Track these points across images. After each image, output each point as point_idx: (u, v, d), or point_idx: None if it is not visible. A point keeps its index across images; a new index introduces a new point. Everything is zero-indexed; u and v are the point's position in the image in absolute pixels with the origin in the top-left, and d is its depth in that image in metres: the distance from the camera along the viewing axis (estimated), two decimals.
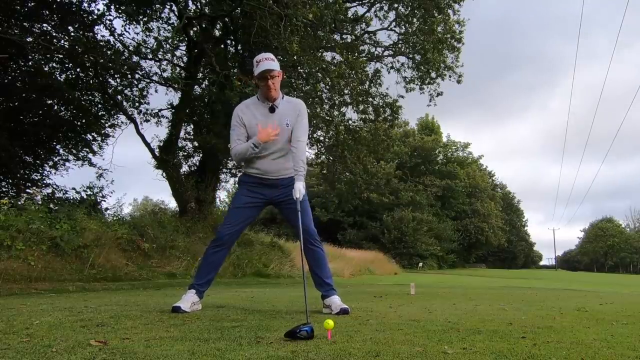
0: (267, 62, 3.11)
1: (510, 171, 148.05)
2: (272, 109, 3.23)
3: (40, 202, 9.63)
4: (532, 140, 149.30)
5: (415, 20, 13.37)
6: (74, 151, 12.56)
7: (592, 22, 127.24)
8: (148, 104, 13.05)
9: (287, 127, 3.23)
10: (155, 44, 12.10)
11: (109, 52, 11.20)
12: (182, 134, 13.61)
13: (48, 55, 10.88)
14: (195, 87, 13.41)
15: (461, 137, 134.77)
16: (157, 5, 11.67)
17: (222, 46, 13.17)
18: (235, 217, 3.31)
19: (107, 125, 12.90)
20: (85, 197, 10.77)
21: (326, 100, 13.47)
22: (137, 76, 12.51)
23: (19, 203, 8.93)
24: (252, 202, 3.32)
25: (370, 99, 14.10)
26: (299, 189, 3.09)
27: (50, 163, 12.35)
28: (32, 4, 10.46)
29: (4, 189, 11.69)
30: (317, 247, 3.35)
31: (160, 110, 13.31)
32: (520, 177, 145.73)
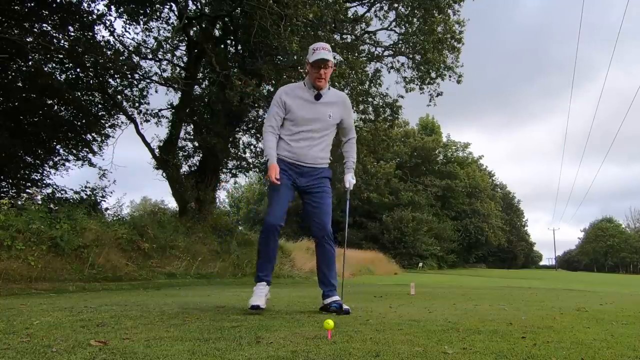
0: (324, 51, 3.13)
1: (527, 172, 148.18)
2: (317, 96, 3.23)
3: (40, 202, 9.63)
4: (552, 142, 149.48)
5: (415, 20, 13.38)
6: (74, 151, 12.54)
7: (628, 31, 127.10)
8: (148, 104, 13.07)
9: (329, 119, 3.26)
10: (155, 44, 12.12)
11: (109, 52, 11.20)
12: (182, 134, 13.62)
13: (48, 55, 10.86)
14: (195, 87, 13.41)
15: (480, 138, 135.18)
16: (157, 5, 11.67)
17: (222, 46, 13.17)
18: (280, 200, 3.20)
19: (107, 125, 12.88)
20: (85, 197, 10.76)
21: None
22: (137, 76, 12.51)
23: (19, 203, 8.93)
24: (288, 184, 3.23)
25: (370, 99, 14.11)
26: (349, 180, 3.44)
27: (50, 163, 12.32)
28: (32, 4, 10.45)
29: (4, 189, 11.66)
30: (330, 246, 3.36)
31: (160, 110, 13.32)
32: (537, 177, 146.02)
